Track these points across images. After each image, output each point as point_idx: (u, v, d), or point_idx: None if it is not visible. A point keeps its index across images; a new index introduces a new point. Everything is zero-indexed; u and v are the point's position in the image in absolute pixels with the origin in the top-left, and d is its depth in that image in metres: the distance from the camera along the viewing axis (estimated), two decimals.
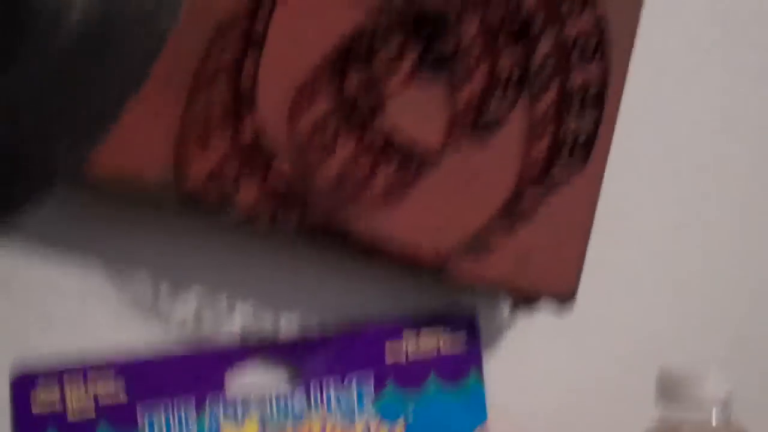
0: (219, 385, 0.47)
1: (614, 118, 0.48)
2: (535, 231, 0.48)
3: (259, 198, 0.43)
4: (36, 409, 0.45)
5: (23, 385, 0.45)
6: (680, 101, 0.56)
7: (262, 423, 0.48)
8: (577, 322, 0.52)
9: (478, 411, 0.51)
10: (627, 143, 0.51)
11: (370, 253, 0.45)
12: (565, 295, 0.49)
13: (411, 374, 0.50)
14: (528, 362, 0.52)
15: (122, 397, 0.46)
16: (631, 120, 0.51)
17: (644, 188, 0.55)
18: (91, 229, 0.46)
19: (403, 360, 0.50)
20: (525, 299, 0.50)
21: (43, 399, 0.45)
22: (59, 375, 0.45)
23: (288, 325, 0.49)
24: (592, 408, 0.53)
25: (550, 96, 0.47)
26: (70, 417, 0.45)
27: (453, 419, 0.50)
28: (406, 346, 0.50)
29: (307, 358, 0.49)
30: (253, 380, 0.48)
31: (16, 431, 0.45)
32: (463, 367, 0.51)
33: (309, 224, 0.44)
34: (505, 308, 0.52)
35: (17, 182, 0.38)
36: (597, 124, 0.46)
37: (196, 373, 0.47)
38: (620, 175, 0.52)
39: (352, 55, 0.43)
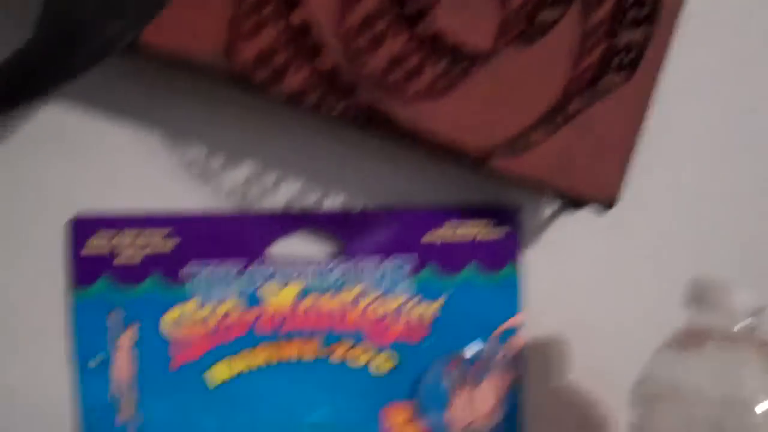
0: (263, 251, 0.50)
1: (670, 33, 0.48)
2: (579, 135, 0.48)
3: (306, 82, 0.45)
4: (89, 252, 0.48)
5: (79, 229, 0.48)
6: (739, 21, 0.55)
7: (302, 289, 0.51)
8: (618, 225, 0.53)
9: (513, 302, 0.53)
10: (684, 58, 0.51)
11: (413, 142, 0.47)
12: (606, 201, 0.50)
13: (450, 259, 0.51)
14: (566, 259, 0.54)
15: (171, 250, 0.49)
16: (689, 37, 0.51)
17: (699, 101, 0.55)
18: (151, 93, 0.48)
19: (444, 246, 0.52)
20: (567, 200, 0.51)
21: (96, 243, 0.48)
22: (113, 222, 0.48)
23: (332, 203, 0.51)
24: (624, 309, 0.54)
25: (604, 8, 0.47)
26: (120, 262, 0.49)
27: (487, 307, 0.52)
28: (447, 234, 0.52)
29: (350, 232, 0.51)
30: (297, 249, 0.50)
31: (70, 274, 0.49)
32: (502, 258, 0.52)
33: (354, 111, 0.46)
34: (548, 205, 0.53)
35: (77, 52, 0.41)
36: (648, 39, 0.46)
37: (243, 237, 0.50)
38: (675, 88, 0.52)
39: None
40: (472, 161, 0.47)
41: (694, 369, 0.46)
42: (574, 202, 0.51)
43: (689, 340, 0.47)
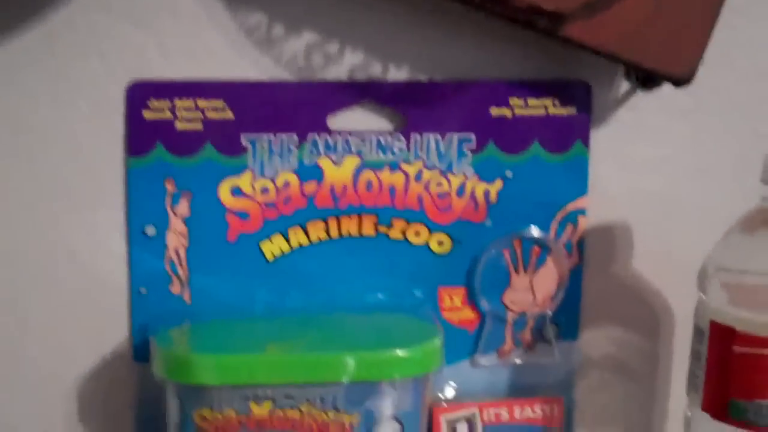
0: (322, 122, 0.48)
1: None
2: (658, 7, 0.46)
3: None
4: (148, 115, 0.47)
5: (137, 92, 0.47)
6: None
7: (361, 162, 0.49)
8: (692, 105, 0.51)
9: (579, 183, 0.51)
10: None
11: (484, 5, 0.45)
12: (682, 77, 0.48)
13: (515, 136, 0.50)
14: (637, 141, 0.52)
15: (228, 119, 0.48)
16: None
17: None
18: None
19: (508, 123, 0.50)
20: (640, 76, 0.49)
21: (155, 107, 0.47)
22: (170, 89, 0.47)
23: (396, 74, 0.49)
24: (694, 193, 0.52)
25: None
26: (179, 127, 0.47)
27: (551, 188, 0.51)
28: (513, 109, 0.50)
29: (413, 105, 0.49)
30: (357, 121, 0.49)
31: (128, 137, 0.47)
32: (570, 137, 0.50)
33: None
34: (621, 83, 0.51)
35: None
36: None
37: (302, 107, 0.48)
38: None
39: None
40: (547, 24, 0.45)
41: (763, 249, 0.45)
42: (648, 78, 0.49)
43: (761, 220, 0.45)
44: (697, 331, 0.46)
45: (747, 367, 0.44)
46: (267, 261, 0.49)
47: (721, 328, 0.45)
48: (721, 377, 0.45)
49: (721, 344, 0.45)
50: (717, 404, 0.45)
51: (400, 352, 0.45)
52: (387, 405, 0.46)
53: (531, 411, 0.51)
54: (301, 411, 0.45)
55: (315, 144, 0.49)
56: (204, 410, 0.45)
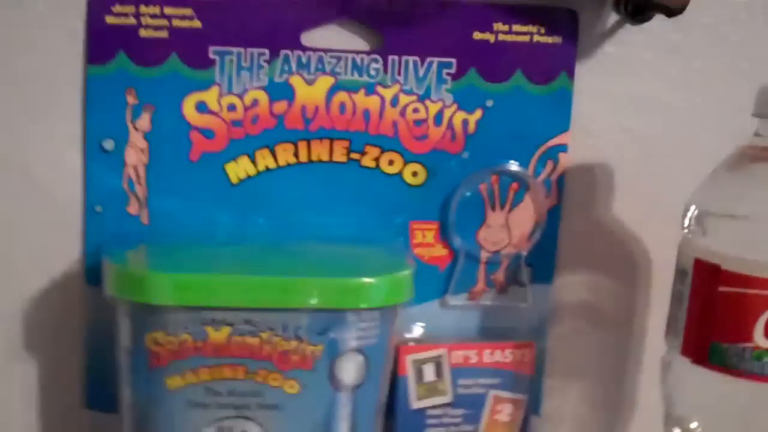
0: (296, 39, 0.46)
1: None
2: None
3: None
4: (110, 21, 0.44)
5: None
6: None
7: (335, 83, 0.46)
8: (681, 41, 0.49)
9: (561, 118, 0.48)
10: None
11: None
12: (674, 7, 0.45)
13: (497, 63, 0.47)
14: (623, 77, 0.49)
15: (196, 29, 0.45)
16: None
17: None
18: None
19: (491, 49, 0.47)
20: (630, 6, 0.47)
21: (118, 11, 0.44)
22: None
23: None
24: (682, 132, 0.50)
25: None
26: (143, 34, 0.45)
27: (533, 120, 0.48)
28: (497, 35, 0.48)
29: (391, 25, 0.46)
30: (332, 39, 0.46)
31: (88, 43, 0.45)
32: (554, 67, 0.48)
33: None
34: (609, 14, 0.48)
35: None
36: None
37: (275, 21, 0.45)
38: None
39: None
40: None
41: (751, 186, 0.43)
42: (637, 9, 0.46)
43: (750, 156, 0.43)
44: (680, 272, 0.44)
45: (731, 308, 0.42)
46: (231, 184, 0.47)
47: (705, 266, 0.43)
48: (704, 319, 0.43)
49: (705, 284, 0.43)
50: (698, 347, 0.43)
51: (367, 281, 0.43)
52: (352, 336, 0.43)
53: (501, 355, 0.49)
54: (261, 338, 0.42)
55: (287, 60, 0.46)
56: (157, 333, 0.42)
